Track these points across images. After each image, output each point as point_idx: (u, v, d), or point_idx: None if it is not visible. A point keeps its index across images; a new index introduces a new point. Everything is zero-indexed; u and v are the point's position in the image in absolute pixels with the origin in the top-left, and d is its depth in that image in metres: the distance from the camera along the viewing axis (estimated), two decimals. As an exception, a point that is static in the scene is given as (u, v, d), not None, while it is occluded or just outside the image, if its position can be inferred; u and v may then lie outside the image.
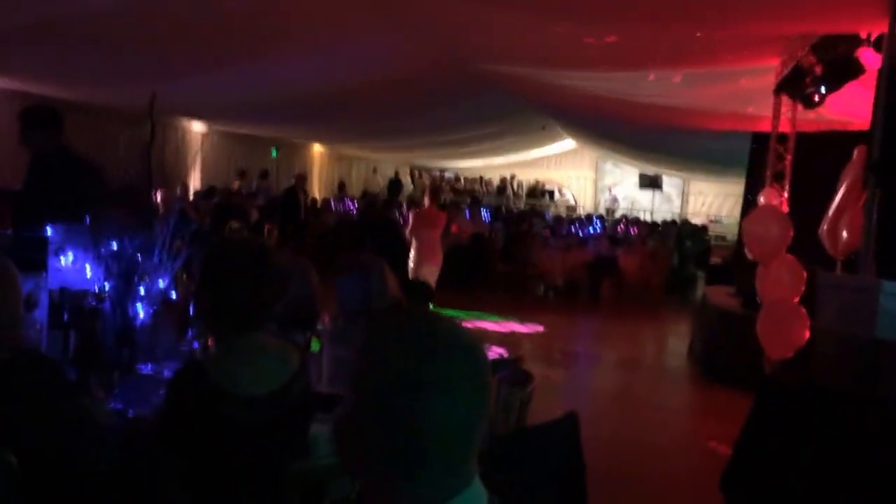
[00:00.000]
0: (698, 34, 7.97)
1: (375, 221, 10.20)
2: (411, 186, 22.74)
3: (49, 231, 3.22)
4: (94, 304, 3.13)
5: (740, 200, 18.16)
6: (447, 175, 24.61)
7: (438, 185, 15.85)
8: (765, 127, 10.54)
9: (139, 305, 3.19)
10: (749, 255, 7.37)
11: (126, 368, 3.01)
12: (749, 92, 10.18)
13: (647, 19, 6.68)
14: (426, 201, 9.95)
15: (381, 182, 21.54)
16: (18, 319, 2.26)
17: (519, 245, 13.76)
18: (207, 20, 7.25)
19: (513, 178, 23.86)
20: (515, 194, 23.34)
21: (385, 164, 22.85)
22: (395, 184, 15.78)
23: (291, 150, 18.74)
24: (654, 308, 12.50)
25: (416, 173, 23.99)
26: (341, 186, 19.70)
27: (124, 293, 3.17)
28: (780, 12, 5.82)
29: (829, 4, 5.43)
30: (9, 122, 9.72)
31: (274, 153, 17.29)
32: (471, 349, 1.09)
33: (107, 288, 3.15)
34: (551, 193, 23.14)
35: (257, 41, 8.26)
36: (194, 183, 13.57)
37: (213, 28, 7.46)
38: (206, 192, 12.38)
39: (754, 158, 11.88)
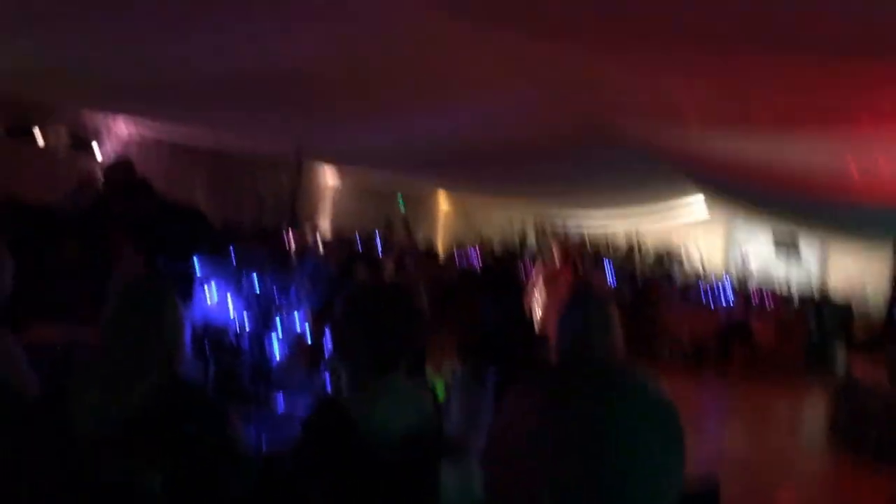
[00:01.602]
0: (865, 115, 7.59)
1: (497, 274, 10.18)
2: (534, 242, 22.60)
3: (196, 264, 3.35)
4: (234, 339, 3.22)
5: (885, 273, 17.07)
6: (571, 233, 24.33)
7: (569, 245, 15.77)
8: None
9: (276, 343, 3.25)
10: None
11: (262, 403, 3.07)
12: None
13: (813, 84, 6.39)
14: (556, 259, 9.89)
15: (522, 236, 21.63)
16: (179, 347, 2.36)
17: (646, 305, 13.38)
18: (356, 73, 7.52)
19: (641, 241, 23.22)
20: (642, 256, 22.74)
21: (505, 213, 22.83)
22: (522, 243, 15.71)
23: (417, 201, 19.09)
24: (787, 380, 11.80)
25: (541, 227, 23.84)
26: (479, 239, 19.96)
27: (263, 331, 3.25)
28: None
29: None
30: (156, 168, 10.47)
31: (401, 204, 17.65)
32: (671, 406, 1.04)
33: (246, 324, 3.23)
34: (680, 262, 22.39)
35: (398, 94, 8.50)
36: (324, 230, 14.05)
37: (361, 81, 7.70)
38: (337, 241, 12.78)
39: (904, 230, 11.20)
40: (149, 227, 4.91)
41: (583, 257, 11.59)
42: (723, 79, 7.12)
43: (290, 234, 6.96)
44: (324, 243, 11.35)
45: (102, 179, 5.75)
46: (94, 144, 10.13)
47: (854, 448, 7.80)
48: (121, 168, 5.37)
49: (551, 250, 10.86)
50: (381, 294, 2.37)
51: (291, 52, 6.86)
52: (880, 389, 7.59)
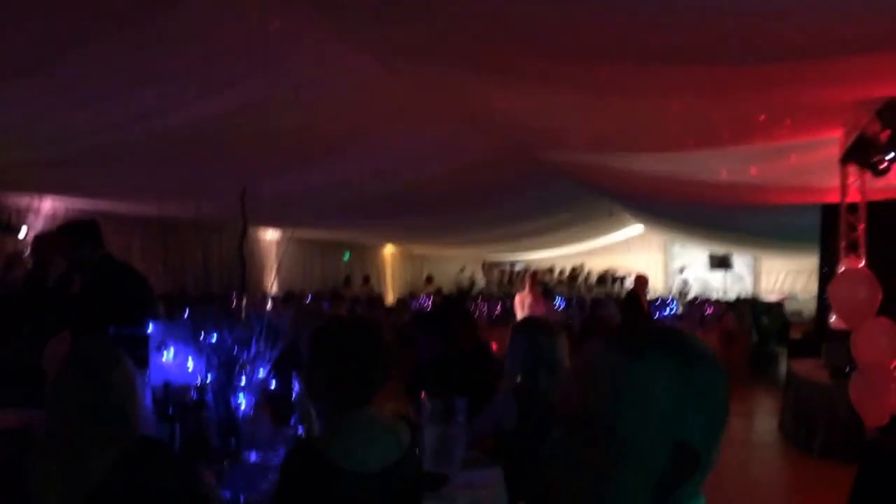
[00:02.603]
0: (762, 117, 8.04)
1: (451, 312, 10.31)
2: (482, 282, 23.14)
3: (150, 328, 3.36)
4: (196, 396, 3.23)
5: (813, 275, 17.78)
6: (517, 268, 24.89)
7: (535, 272, 16.13)
8: (833, 198, 10.42)
9: (241, 395, 3.27)
10: (835, 323, 7.18)
11: (233, 457, 3.08)
12: (814, 164, 10.13)
13: (709, 89, 6.76)
14: (527, 289, 10.42)
15: (469, 277, 21.87)
16: (134, 409, 2.34)
17: (596, 330, 13.61)
18: (276, 130, 7.56)
19: (582, 266, 24.00)
20: (586, 283, 23.40)
21: (455, 261, 23.16)
22: (470, 284, 15.97)
23: (363, 252, 19.15)
24: (738, 386, 12.14)
25: (488, 268, 24.39)
26: (429, 279, 20.10)
27: (226, 384, 3.27)
28: (846, 76, 5.85)
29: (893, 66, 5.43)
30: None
31: (346, 256, 17.74)
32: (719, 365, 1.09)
33: (209, 380, 3.25)
34: (622, 280, 23.04)
35: (325, 146, 8.59)
36: (272, 289, 13.97)
37: (284, 136, 7.76)
38: (284, 297, 12.72)
39: (826, 230, 11.74)
40: (87, 296, 4.87)
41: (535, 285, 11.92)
42: (632, 101, 7.48)
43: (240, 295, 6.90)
44: (274, 300, 11.30)
45: (31, 253, 5.68)
46: (23, 225, 9.97)
47: (802, 445, 8.05)
48: (48, 239, 5.32)
49: (522, 281, 11.31)
50: (346, 327, 2.44)
51: (219, 109, 6.88)
52: (822, 386, 7.87)
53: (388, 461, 2.27)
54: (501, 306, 13.34)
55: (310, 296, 11.84)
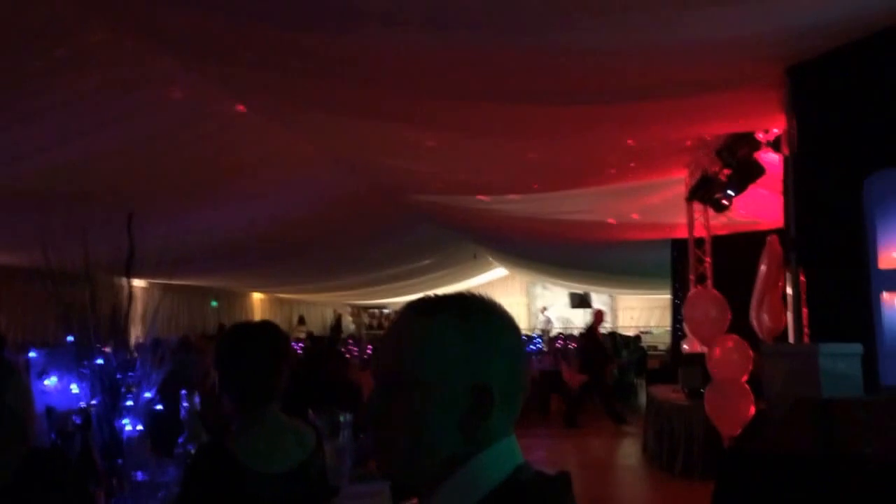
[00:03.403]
0: (612, 164, 8.63)
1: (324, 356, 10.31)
2: (352, 326, 23.17)
3: (33, 354, 3.27)
4: (79, 420, 3.15)
5: (666, 311, 18.87)
6: (385, 312, 25.09)
7: None
8: (682, 233, 11.23)
9: (125, 419, 3.22)
10: (689, 347, 7.71)
11: (120, 477, 3.02)
12: (663, 202, 10.91)
13: (563, 130, 7.21)
14: None
15: (336, 319, 21.80)
16: (29, 419, 2.31)
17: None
18: (135, 175, 7.37)
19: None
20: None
21: (325, 307, 23.08)
22: (337, 323, 15.97)
23: (232, 298, 18.81)
24: (601, 417, 12.65)
25: (357, 312, 24.44)
26: (301, 321, 19.93)
27: (110, 407, 3.21)
28: (684, 114, 6.42)
29: (730, 105, 6.04)
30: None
31: (214, 304, 17.35)
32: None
33: (93, 403, 3.18)
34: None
35: (194, 191, 8.41)
36: (137, 336, 13.32)
37: (143, 182, 7.55)
38: (152, 345, 12.23)
39: (676, 264, 12.59)
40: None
41: None
42: (490, 143, 7.86)
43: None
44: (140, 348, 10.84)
45: None
46: None
47: (665, 466, 8.48)
48: None
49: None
50: (250, 327, 2.51)
51: (78, 154, 6.62)
52: (680, 407, 8.37)
53: (293, 463, 2.33)
54: (372, 348, 13.40)
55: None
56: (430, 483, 1.14)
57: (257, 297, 20.60)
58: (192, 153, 7.28)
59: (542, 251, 16.06)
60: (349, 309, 24.72)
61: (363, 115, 6.72)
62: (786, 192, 5.69)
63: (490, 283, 24.40)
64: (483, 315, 1.23)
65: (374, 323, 24.29)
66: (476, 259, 18.90)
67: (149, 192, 7.82)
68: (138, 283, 13.81)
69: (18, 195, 7.27)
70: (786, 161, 5.77)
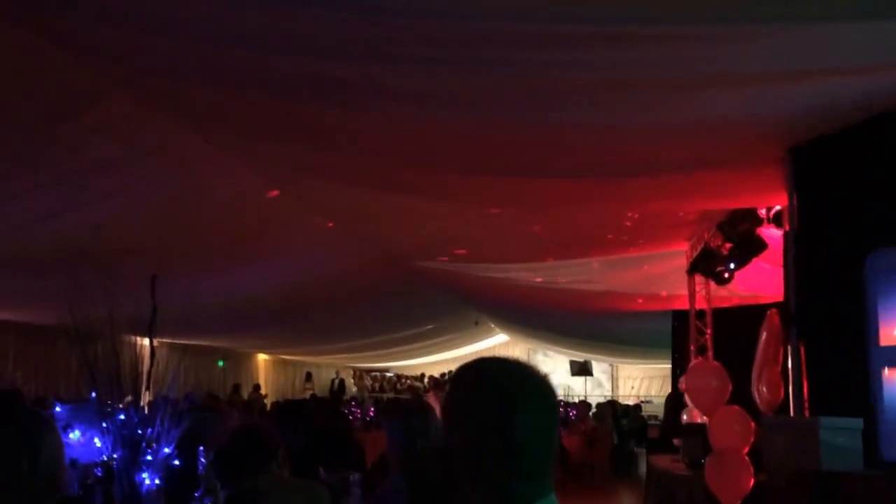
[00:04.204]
0: (614, 236, 8.79)
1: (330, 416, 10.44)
2: (354, 388, 23.29)
3: (58, 409, 3.38)
4: (100, 473, 3.25)
5: (666, 380, 18.83)
6: (388, 375, 25.22)
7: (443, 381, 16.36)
8: (683, 305, 11.33)
9: (145, 472, 3.31)
10: (688, 417, 7.74)
11: (141, 530, 3.11)
12: (665, 274, 11.05)
13: (567, 203, 7.38)
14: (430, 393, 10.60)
15: (338, 382, 21.95)
16: (60, 470, 2.41)
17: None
18: (154, 238, 7.56)
19: (451, 373, 24.52)
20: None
21: (328, 368, 23.21)
22: (340, 385, 16.10)
23: (237, 359, 18.99)
24: (601, 485, 12.59)
25: (359, 374, 24.65)
26: (308, 377, 20.08)
27: (130, 461, 3.30)
28: (687, 190, 6.59)
29: (732, 182, 6.22)
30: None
31: (221, 363, 17.52)
32: (546, 379, 1.39)
33: (115, 456, 3.28)
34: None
35: (200, 255, 8.57)
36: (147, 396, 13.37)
37: (153, 244, 7.68)
38: (172, 402, 12.33)
39: (677, 335, 12.63)
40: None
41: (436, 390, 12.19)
42: (497, 213, 8.01)
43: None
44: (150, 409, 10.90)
45: None
46: None
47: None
48: None
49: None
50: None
51: (93, 219, 6.73)
52: (680, 477, 8.35)
53: None
54: (375, 409, 13.42)
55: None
56: None
57: (262, 357, 20.72)
58: (207, 219, 7.47)
59: (544, 318, 16.16)
60: (351, 371, 24.89)
61: (372, 185, 6.91)
62: (786, 267, 5.82)
63: (492, 349, 24.44)
64: (499, 379, 1.33)
65: (376, 386, 24.36)
66: (478, 325, 18.98)
67: (166, 255, 7.99)
68: (145, 341, 13.99)
69: (45, 255, 7.44)
70: (786, 237, 5.92)
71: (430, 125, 5.06)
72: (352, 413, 11.56)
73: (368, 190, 7.06)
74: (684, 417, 9.87)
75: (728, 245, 8.54)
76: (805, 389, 5.35)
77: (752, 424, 6.48)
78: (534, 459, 1.29)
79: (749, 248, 8.26)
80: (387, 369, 25.87)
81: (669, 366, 13.66)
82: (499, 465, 1.27)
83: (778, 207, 7.05)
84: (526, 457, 1.28)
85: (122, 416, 3.36)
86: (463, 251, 10.34)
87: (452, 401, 1.35)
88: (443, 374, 24.43)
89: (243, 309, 11.69)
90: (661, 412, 19.23)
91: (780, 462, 4.93)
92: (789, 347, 5.89)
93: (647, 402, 21.40)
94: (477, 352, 24.70)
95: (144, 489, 3.29)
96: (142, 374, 3.74)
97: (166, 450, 3.40)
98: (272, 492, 2.43)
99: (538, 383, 1.35)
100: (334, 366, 23.42)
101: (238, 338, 16.08)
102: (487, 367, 1.38)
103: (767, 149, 5.17)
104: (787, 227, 6.02)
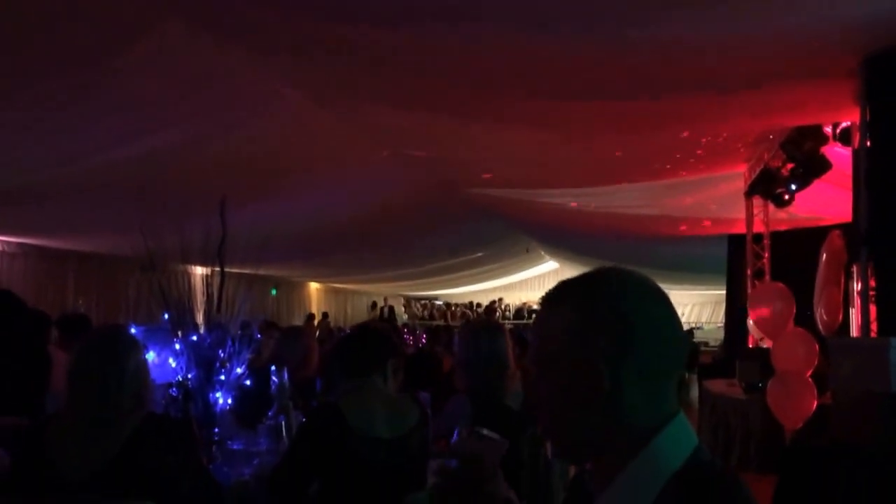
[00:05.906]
0: (671, 158, 8.57)
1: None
2: (405, 316, 23.65)
3: (133, 331, 3.44)
4: (175, 392, 3.33)
5: (717, 307, 18.68)
6: (437, 303, 25.48)
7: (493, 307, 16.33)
8: (739, 229, 11.12)
9: (219, 392, 3.39)
10: (755, 334, 7.65)
11: (219, 445, 3.19)
12: (720, 197, 10.82)
13: (627, 126, 7.20)
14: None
15: (384, 309, 22.38)
16: (146, 388, 2.49)
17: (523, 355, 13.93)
18: (201, 167, 7.56)
19: (500, 301, 24.62)
20: (504, 317, 23.96)
21: (377, 296, 23.53)
22: (390, 312, 16.31)
23: (290, 287, 19.32)
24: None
25: (408, 302, 24.99)
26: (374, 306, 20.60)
27: (204, 381, 3.38)
28: (754, 108, 6.37)
29: (802, 97, 5.99)
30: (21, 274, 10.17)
31: (273, 292, 17.83)
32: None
33: (189, 377, 3.36)
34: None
35: (252, 183, 8.60)
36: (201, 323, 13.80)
37: (208, 173, 7.70)
38: (242, 325, 12.74)
39: (733, 260, 12.42)
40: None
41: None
42: (551, 137, 7.87)
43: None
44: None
45: None
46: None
47: (720, 460, 8.47)
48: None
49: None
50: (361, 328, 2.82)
51: (149, 148, 6.78)
52: (737, 401, 8.33)
53: (397, 432, 2.51)
54: (426, 336, 13.55)
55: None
56: (609, 461, 1.13)
57: (314, 286, 21.05)
58: (262, 146, 7.47)
59: (594, 245, 16.02)
60: (401, 300, 25.13)
61: (429, 108, 6.82)
62: (855, 186, 5.63)
63: (541, 277, 24.46)
64: (615, 289, 1.21)
65: (426, 314, 24.60)
66: (528, 252, 18.93)
67: (228, 181, 8.04)
68: (201, 270, 14.28)
69: (112, 185, 7.57)
70: (857, 154, 5.71)
71: (492, 46, 4.93)
72: (402, 341, 11.68)
73: (425, 113, 6.97)
74: (751, 330, 9.66)
75: (790, 165, 8.30)
76: (872, 311, 5.24)
77: (816, 346, 6.39)
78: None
79: (812, 167, 8.01)
80: (435, 297, 26.05)
81: (720, 291, 13.48)
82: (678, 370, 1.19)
83: (846, 124, 6.79)
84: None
85: (194, 338, 3.42)
86: (517, 176, 10.23)
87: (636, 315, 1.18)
88: (492, 302, 24.51)
89: (299, 237, 11.80)
90: (711, 338, 19.15)
91: (846, 384, 4.84)
92: (855, 268, 5.75)
93: (698, 328, 21.27)
94: (527, 279, 24.74)
95: (218, 408, 3.38)
96: (212, 296, 3.81)
97: (238, 370, 3.47)
98: (358, 405, 2.50)
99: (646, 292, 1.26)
100: (383, 294, 23.71)
101: (292, 266, 16.28)
102: (629, 277, 1.26)
103: (841, 59, 4.93)
104: (857, 145, 5.81)
